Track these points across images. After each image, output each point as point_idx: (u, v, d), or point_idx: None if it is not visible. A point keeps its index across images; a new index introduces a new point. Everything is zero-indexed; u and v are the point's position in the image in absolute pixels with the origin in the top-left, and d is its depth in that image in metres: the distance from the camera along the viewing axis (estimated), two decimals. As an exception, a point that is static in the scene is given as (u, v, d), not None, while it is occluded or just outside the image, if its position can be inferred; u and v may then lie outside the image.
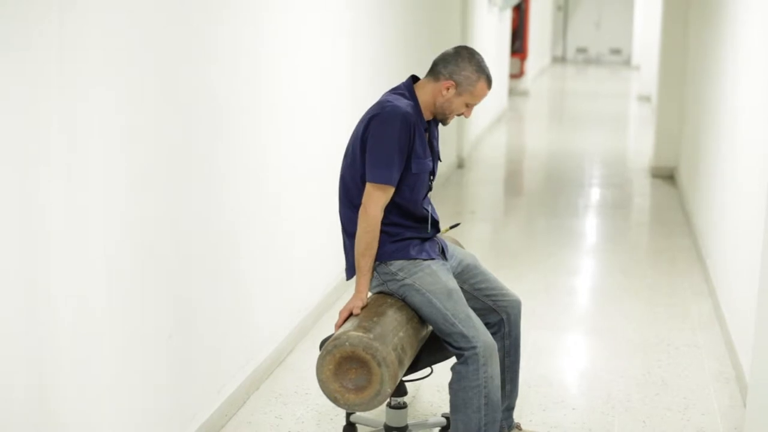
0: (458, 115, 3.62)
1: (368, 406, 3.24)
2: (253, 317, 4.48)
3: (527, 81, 19.35)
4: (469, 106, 3.60)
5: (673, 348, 5.12)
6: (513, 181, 10.95)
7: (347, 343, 3.21)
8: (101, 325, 3.14)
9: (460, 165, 10.54)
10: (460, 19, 10.18)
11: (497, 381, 3.46)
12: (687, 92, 9.28)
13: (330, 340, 3.27)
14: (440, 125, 3.71)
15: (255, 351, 4.52)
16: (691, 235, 7.41)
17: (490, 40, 13.22)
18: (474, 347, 3.41)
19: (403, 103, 3.49)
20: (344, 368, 3.23)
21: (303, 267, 5.15)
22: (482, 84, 3.57)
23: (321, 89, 5.34)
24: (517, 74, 18.43)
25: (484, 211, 8.91)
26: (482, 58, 3.60)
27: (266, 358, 4.62)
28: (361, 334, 3.22)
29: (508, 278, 5.86)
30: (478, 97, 3.58)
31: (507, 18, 15.55)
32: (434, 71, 3.58)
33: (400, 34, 7.31)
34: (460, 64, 3.54)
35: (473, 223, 8.04)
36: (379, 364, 3.19)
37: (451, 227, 4.17)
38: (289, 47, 4.79)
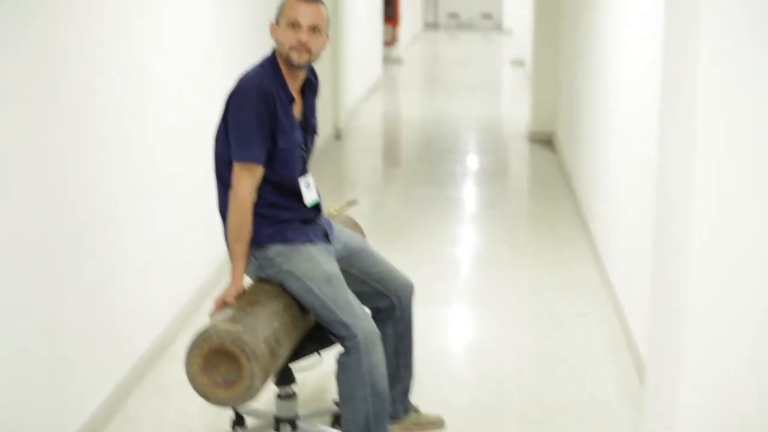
0: (299, 46, 3.27)
1: (239, 401, 3.07)
2: (129, 307, 4.25)
3: (400, 48, 19.29)
4: (295, 28, 3.27)
5: (561, 317, 5.07)
6: (391, 151, 10.84)
7: (214, 336, 3.02)
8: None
9: (338, 136, 10.39)
10: (331, -13, 10.00)
11: (382, 369, 3.32)
12: (562, 56, 9.30)
13: (198, 332, 3.08)
14: (317, 97, 3.52)
15: (135, 342, 4.30)
16: (573, 200, 7.42)
17: (362, 8, 13.07)
18: (354, 336, 3.26)
19: (260, 75, 3.30)
20: (213, 362, 3.04)
21: (181, 251, 4.93)
22: (290, 1, 3.31)
23: (188, 69, 5.10)
24: (389, 41, 18.35)
25: (364, 182, 8.77)
26: None
27: (147, 350, 4.40)
28: (229, 326, 3.03)
29: (391, 251, 5.73)
30: (291, 12, 3.28)
31: (378, -15, 15.43)
32: None
33: (266, 5, 7.07)
34: None
35: (352, 195, 7.87)
36: (248, 358, 3.01)
37: (348, 204, 4.01)
38: (151, 28, 4.55)
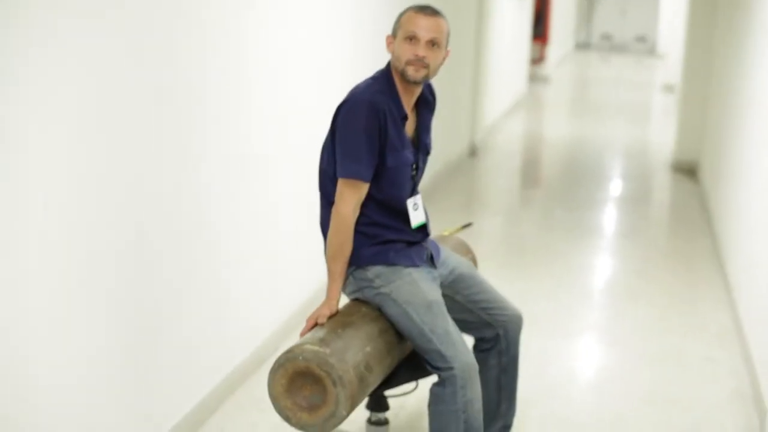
0: (416, 60, 3.08)
1: (321, 427, 2.91)
2: (232, 315, 4.18)
3: (549, 67, 18.94)
4: (413, 42, 3.08)
5: (685, 360, 4.76)
6: (529, 171, 10.58)
7: (300, 357, 2.87)
8: (62, 324, 2.89)
9: (473, 153, 10.17)
10: (476, 1, 9.80)
11: (478, 405, 3.10)
12: (712, 83, 8.89)
13: (284, 352, 2.94)
14: (432, 115, 3.34)
15: (233, 352, 4.23)
16: (711, 237, 7.04)
17: (509, 24, 12.84)
18: (451, 368, 3.05)
19: (373, 89, 3.11)
20: (298, 384, 2.90)
21: (288, 265, 4.83)
22: (408, 13, 3.13)
23: (318, 78, 5.01)
24: (537, 59, 18.03)
25: (497, 202, 8.55)
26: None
27: (245, 360, 4.33)
28: (316, 348, 2.87)
29: (517, 277, 5.51)
30: (409, 24, 3.10)
31: (528, 2, 15.17)
32: None
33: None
34: None
35: (484, 216, 7.66)
36: (334, 383, 2.85)
37: (463, 227, 3.83)
38: (281, 32, 4.48)
